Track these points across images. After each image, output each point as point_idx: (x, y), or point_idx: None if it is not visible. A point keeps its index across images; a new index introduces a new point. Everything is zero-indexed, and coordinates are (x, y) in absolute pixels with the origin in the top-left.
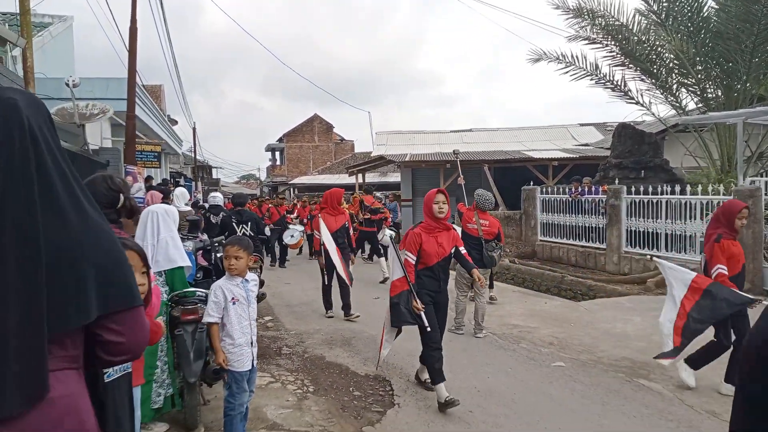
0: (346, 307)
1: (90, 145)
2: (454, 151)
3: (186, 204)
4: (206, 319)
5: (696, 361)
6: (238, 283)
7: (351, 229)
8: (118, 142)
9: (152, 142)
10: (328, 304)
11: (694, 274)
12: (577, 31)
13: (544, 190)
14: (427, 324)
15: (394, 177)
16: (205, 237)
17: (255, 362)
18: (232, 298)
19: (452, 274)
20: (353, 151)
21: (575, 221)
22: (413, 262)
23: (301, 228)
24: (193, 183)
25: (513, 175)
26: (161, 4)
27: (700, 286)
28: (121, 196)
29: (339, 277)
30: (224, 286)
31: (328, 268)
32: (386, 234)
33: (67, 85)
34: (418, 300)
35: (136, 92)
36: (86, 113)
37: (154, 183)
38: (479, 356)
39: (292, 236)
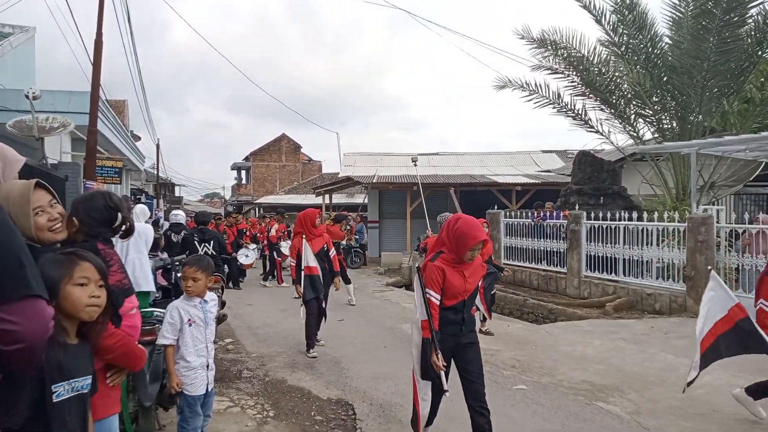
0: (309, 343)
1: (49, 159)
2: (412, 158)
3: (146, 222)
4: (161, 341)
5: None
6: (195, 304)
7: (332, 251)
8: (78, 156)
9: (113, 157)
10: (311, 341)
11: (736, 301)
12: (540, 61)
13: (507, 214)
14: (446, 387)
15: (361, 198)
16: (164, 255)
17: (211, 386)
18: (189, 320)
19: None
20: (321, 171)
21: (537, 245)
22: (437, 303)
23: (253, 246)
24: (155, 200)
25: (478, 199)
26: (128, 18)
27: (732, 317)
28: (119, 215)
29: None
30: (181, 307)
31: (311, 297)
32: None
33: (27, 97)
34: (439, 354)
35: (99, 107)
36: (46, 126)
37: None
38: None
39: (246, 256)
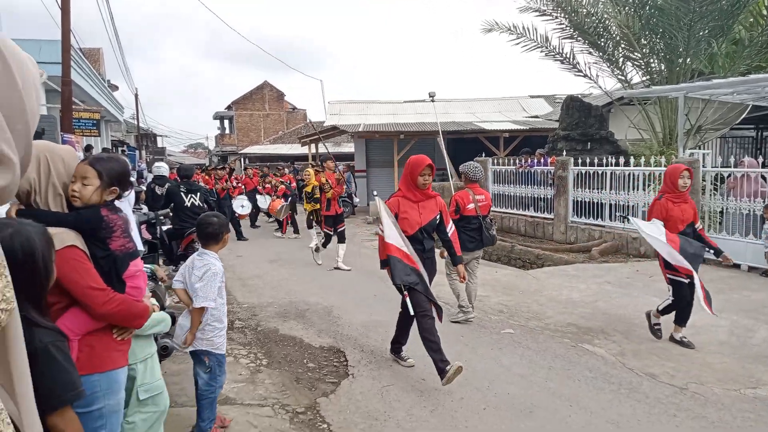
0: (440, 361)
1: None
2: (429, 93)
3: None
4: (207, 304)
5: None
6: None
7: (449, 223)
8: (54, 109)
9: (90, 108)
10: (403, 339)
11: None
12: (528, 2)
13: (495, 161)
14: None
15: (348, 147)
16: (145, 209)
17: None
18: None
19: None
20: (306, 120)
21: (525, 192)
22: None
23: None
24: (137, 152)
25: (465, 147)
26: None
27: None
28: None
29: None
30: (220, 266)
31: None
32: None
33: None
34: None
35: (71, 55)
36: None
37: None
38: None
39: (242, 206)
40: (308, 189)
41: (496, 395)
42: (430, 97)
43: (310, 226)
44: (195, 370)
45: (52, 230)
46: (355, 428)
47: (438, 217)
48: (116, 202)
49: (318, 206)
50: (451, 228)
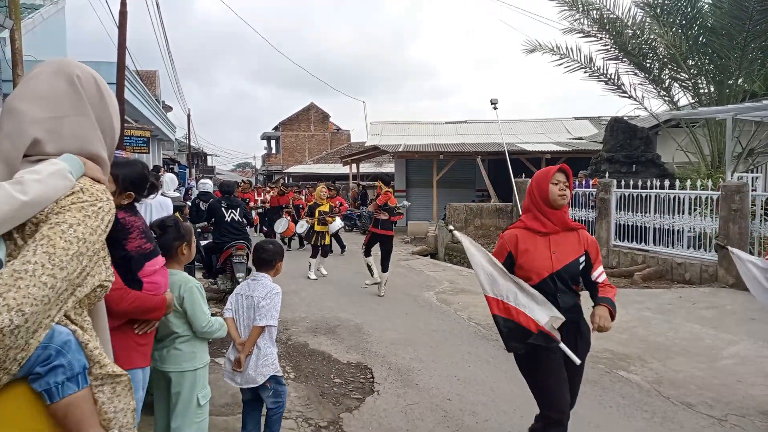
0: None
1: None
2: (491, 100)
3: (175, 190)
4: (272, 323)
5: None
6: None
7: (598, 268)
8: None
9: (142, 127)
10: None
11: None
12: (571, 23)
13: None
14: None
15: (389, 167)
16: (187, 224)
17: None
18: None
19: None
20: (349, 140)
21: None
22: None
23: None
24: (188, 170)
25: (506, 168)
26: None
27: None
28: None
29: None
30: (279, 288)
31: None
32: (336, 225)
33: None
34: None
35: (125, 76)
36: None
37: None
38: (463, 345)
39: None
40: (324, 208)
41: (522, 418)
42: (492, 104)
43: (315, 254)
44: (261, 396)
45: None
46: None
47: (582, 258)
48: (147, 218)
49: (326, 228)
50: (601, 275)
